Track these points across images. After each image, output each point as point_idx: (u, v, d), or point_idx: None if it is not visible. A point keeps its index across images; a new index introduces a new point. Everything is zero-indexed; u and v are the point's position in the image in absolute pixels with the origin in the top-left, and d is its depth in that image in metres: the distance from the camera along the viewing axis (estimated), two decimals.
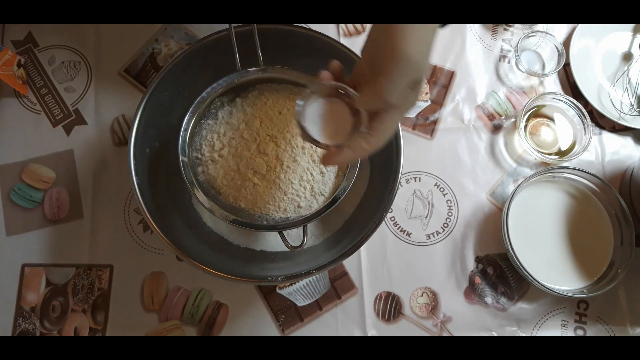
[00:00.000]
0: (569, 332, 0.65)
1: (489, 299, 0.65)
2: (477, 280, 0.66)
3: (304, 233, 0.53)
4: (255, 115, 0.56)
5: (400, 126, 0.58)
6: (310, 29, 0.61)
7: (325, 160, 0.43)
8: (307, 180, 0.55)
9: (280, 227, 0.53)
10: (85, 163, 0.68)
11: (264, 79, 0.58)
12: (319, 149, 0.55)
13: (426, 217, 0.68)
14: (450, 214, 0.68)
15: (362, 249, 0.66)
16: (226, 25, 0.57)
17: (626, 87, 0.72)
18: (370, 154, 0.42)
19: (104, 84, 0.71)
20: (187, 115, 0.54)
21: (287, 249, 0.62)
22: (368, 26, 0.75)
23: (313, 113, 0.44)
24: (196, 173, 0.55)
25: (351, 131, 0.43)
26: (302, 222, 0.53)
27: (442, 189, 0.69)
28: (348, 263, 0.66)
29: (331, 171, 0.56)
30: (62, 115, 0.69)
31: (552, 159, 0.68)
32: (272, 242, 0.63)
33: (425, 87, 0.73)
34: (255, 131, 0.55)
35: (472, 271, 0.66)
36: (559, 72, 0.74)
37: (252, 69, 0.56)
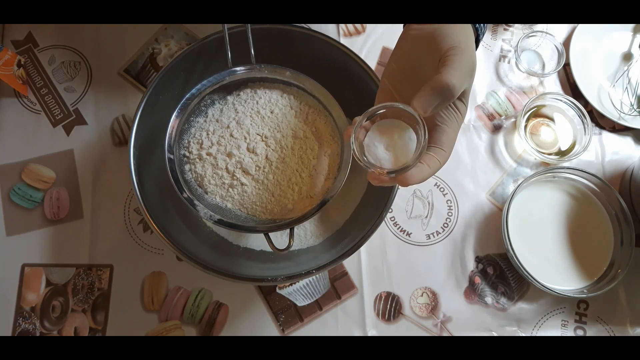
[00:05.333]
0: (569, 332, 0.65)
1: (489, 299, 0.65)
2: (477, 280, 0.66)
3: (290, 236, 0.53)
4: (246, 113, 0.55)
5: None
6: (309, 29, 0.61)
7: (405, 182, 0.41)
8: (296, 182, 0.54)
9: (265, 229, 0.53)
10: (85, 163, 0.68)
11: (256, 78, 0.57)
12: (309, 151, 0.55)
13: (426, 217, 0.68)
14: (450, 214, 0.68)
15: (362, 249, 0.66)
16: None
17: (626, 87, 0.72)
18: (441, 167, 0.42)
19: (104, 84, 0.71)
20: (175, 112, 0.53)
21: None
22: (368, 26, 0.75)
23: (373, 141, 0.43)
24: (183, 171, 0.54)
25: (418, 148, 0.41)
26: (288, 224, 0.53)
27: (442, 189, 0.69)
28: (348, 263, 0.66)
29: (321, 173, 0.55)
30: (62, 115, 0.69)
31: (552, 159, 0.68)
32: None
33: None
34: (245, 130, 0.54)
35: (472, 271, 0.66)
36: (559, 72, 0.74)
37: (242, 67, 0.56)
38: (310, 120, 0.57)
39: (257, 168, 0.54)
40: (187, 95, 0.54)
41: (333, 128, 0.57)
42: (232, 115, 0.56)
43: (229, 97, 0.57)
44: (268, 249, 0.63)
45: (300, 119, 0.56)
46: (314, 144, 0.55)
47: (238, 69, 0.56)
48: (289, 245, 0.52)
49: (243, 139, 0.54)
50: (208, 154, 0.54)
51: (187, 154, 0.55)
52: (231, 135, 0.54)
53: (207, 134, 0.55)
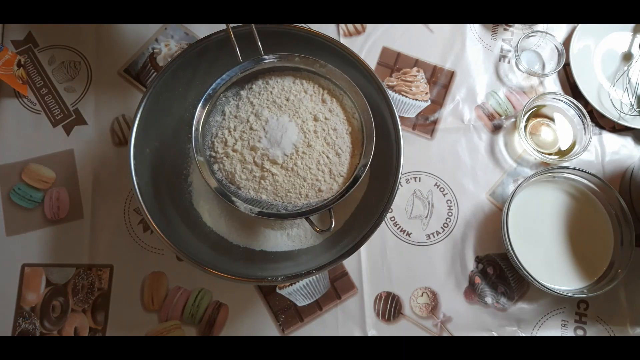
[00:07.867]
0: (569, 332, 0.65)
1: (489, 299, 0.65)
2: (477, 280, 0.66)
3: (330, 216, 0.54)
4: (263, 105, 0.56)
5: (400, 126, 0.58)
6: (309, 29, 0.61)
7: None
8: (325, 164, 0.55)
9: (306, 213, 0.54)
10: (85, 163, 0.68)
11: (266, 69, 0.58)
12: (331, 131, 0.56)
13: (426, 217, 0.68)
14: (450, 214, 0.68)
15: (362, 249, 0.66)
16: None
17: (626, 87, 0.72)
18: None
19: (104, 84, 0.71)
20: (197, 113, 0.54)
21: (287, 249, 0.62)
22: (368, 26, 0.75)
23: None
24: (213, 171, 0.55)
25: None
26: (326, 205, 0.54)
27: (442, 189, 0.69)
28: (348, 263, 0.66)
29: (346, 151, 0.56)
30: (62, 115, 0.69)
31: (552, 159, 0.68)
32: (272, 242, 0.63)
33: (426, 87, 0.73)
34: (264, 121, 0.55)
35: (472, 271, 0.66)
36: (559, 72, 0.74)
37: (252, 59, 0.56)
38: (327, 101, 0.57)
39: (284, 156, 0.54)
40: (204, 97, 0.55)
41: (350, 105, 0.57)
42: (249, 109, 0.57)
43: (242, 92, 0.58)
44: (268, 248, 0.63)
45: (317, 101, 0.57)
46: (334, 124, 0.56)
47: (248, 62, 0.56)
48: (331, 225, 0.53)
49: (264, 130, 0.55)
50: (234, 150, 0.55)
51: (213, 153, 0.56)
52: (251, 129, 0.55)
53: (229, 132, 0.56)
